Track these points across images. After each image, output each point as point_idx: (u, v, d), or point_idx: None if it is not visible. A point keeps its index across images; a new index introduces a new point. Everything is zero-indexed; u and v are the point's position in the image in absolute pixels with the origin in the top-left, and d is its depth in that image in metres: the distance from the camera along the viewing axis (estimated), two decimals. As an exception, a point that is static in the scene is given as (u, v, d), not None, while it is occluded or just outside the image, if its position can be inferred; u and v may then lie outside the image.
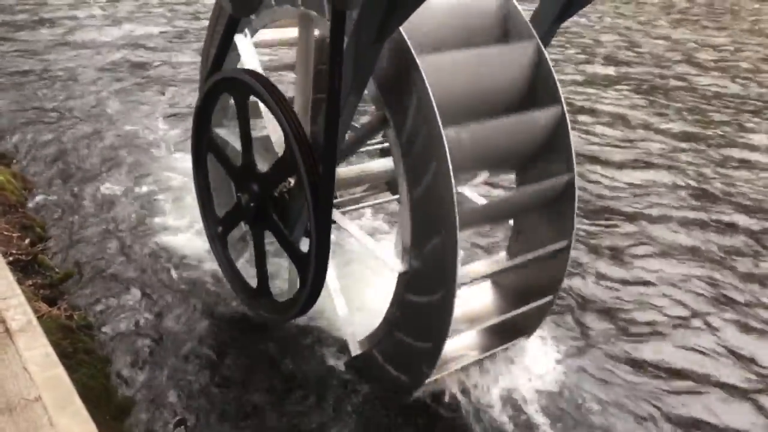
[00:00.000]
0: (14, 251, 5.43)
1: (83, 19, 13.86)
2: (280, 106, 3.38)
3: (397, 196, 4.57)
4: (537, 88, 3.65)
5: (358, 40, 2.99)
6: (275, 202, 3.78)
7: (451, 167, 3.12)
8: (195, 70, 9.69)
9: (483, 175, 4.81)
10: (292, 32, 4.53)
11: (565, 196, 3.80)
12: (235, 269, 4.54)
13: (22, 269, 5.27)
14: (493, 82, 3.56)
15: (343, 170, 4.30)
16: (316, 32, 4.27)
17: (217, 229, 4.50)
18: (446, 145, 3.10)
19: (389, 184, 5.00)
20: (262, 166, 3.85)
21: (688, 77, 11.94)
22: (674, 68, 12.52)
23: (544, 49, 3.59)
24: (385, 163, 4.50)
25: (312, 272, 3.59)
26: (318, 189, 3.32)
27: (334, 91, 3.05)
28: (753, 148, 8.89)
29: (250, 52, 4.15)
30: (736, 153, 8.69)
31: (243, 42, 4.17)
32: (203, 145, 4.27)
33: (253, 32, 4.27)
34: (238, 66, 4.14)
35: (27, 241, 5.68)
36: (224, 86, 3.85)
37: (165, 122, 8.65)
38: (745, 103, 10.69)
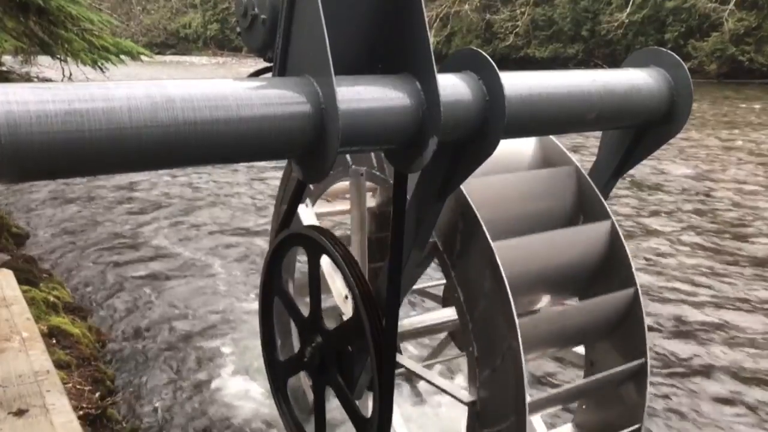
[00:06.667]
0: (85, 405, 5.51)
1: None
2: (347, 263, 3.48)
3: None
4: (611, 268, 3.64)
5: (421, 198, 3.07)
6: (338, 358, 3.77)
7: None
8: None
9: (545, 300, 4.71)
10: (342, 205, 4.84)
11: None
12: (295, 418, 4.46)
13: (91, 423, 5.33)
14: (566, 262, 3.58)
15: (405, 322, 4.32)
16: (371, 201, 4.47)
17: (278, 374, 4.47)
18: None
19: (452, 335, 4.97)
20: (328, 323, 3.89)
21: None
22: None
23: (618, 228, 3.62)
24: (449, 314, 4.50)
25: None
26: (382, 349, 3.28)
27: (398, 247, 3.15)
28: None
29: (311, 221, 4.45)
30: None
31: (305, 212, 4.45)
32: (271, 294, 4.37)
33: (314, 201, 4.56)
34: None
35: (97, 394, 5.78)
36: (294, 242, 4.01)
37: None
38: None
